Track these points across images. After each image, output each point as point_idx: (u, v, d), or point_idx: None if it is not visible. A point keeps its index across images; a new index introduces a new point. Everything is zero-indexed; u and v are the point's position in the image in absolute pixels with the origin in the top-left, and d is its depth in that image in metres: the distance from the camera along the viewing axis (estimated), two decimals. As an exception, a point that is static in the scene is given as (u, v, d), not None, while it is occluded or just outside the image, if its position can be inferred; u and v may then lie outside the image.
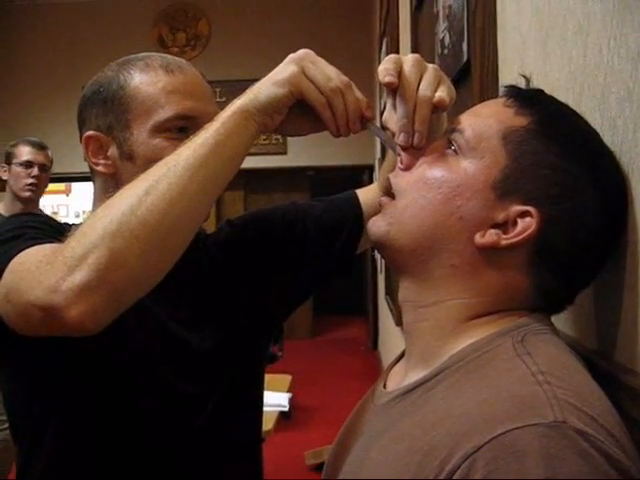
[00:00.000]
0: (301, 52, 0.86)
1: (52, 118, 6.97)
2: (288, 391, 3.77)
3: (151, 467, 1.00)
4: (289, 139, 7.37)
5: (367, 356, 7.42)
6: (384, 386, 0.80)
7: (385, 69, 0.78)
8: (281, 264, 1.17)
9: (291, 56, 0.86)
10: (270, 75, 0.86)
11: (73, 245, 0.75)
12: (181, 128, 0.98)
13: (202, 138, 0.82)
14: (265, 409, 3.54)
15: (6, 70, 7.43)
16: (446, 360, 0.68)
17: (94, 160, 1.03)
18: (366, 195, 1.23)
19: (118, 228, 0.74)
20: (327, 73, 0.84)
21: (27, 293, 0.74)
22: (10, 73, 7.44)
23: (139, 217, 0.75)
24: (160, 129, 0.98)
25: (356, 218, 1.20)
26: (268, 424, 3.08)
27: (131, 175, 0.84)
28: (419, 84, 0.79)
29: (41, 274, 0.74)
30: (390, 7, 4.07)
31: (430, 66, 0.81)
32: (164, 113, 0.98)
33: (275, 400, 3.44)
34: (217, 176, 0.83)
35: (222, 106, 0.87)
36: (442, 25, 1.89)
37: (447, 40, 1.81)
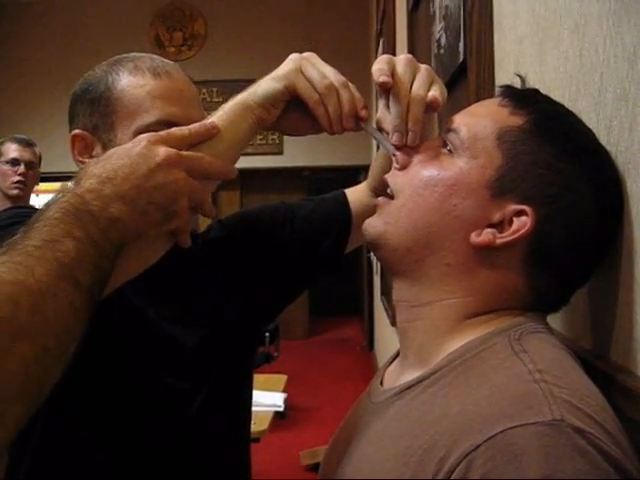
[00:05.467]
0: (305, 53, 0.88)
1: (47, 118, 6.95)
2: (283, 391, 3.77)
3: (138, 462, 1.00)
4: (285, 139, 7.38)
5: (363, 356, 7.41)
6: (381, 384, 0.80)
7: (379, 69, 0.79)
8: (270, 263, 1.18)
9: (292, 55, 0.88)
10: (272, 72, 0.88)
11: None
12: None
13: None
14: (260, 409, 3.51)
15: (1, 69, 7.41)
16: (443, 359, 0.68)
17: (79, 158, 1.04)
18: (354, 195, 1.24)
19: None
20: (323, 71, 0.85)
21: None
22: (5, 72, 7.43)
23: None
24: (142, 134, 0.98)
25: (344, 217, 1.21)
26: (263, 424, 3.07)
27: None
28: (412, 84, 0.79)
29: None
30: (386, 7, 4.07)
31: (422, 66, 0.82)
32: (147, 118, 0.99)
33: (270, 400, 3.44)
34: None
35: (219, 106, 0.88)
36: (438, 25, 1.89)
37: (443, 40, 1.81)
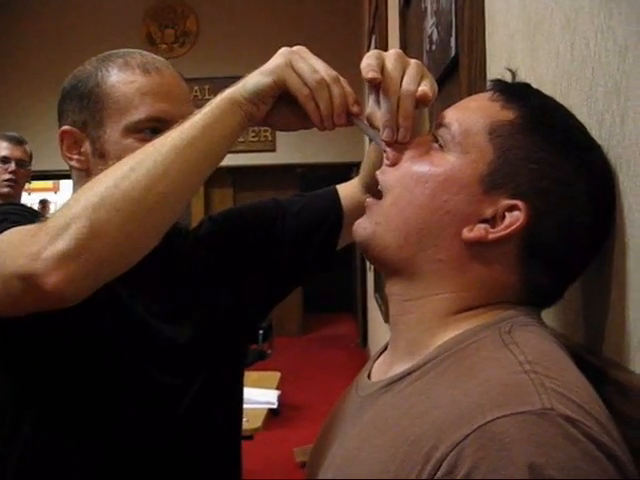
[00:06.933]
0: (295, 47, 0.87)
1: (39, 115, 6.91)
2: (277, 388, 3.77)
3: (128, 459, 1.00)
4: (278, 136, 7.37)
5: (356, 353, 7.42)
6: (368, 377, 0.80)
7: (368, 65, 0.78)
8: (261, 260, 1.17)
9: (282, 49, 0.87)
10: (261, 67, 0.87)
11: (57, 216, 0.78)
12: (154, 130, 0.97)
13: (191, 121, 0.84)
14: (254, 406, 3.50)
15: (-8, 67, 7.38)
16: (432, 351, 0.67)
17: (68, 155, 1.04)
18: (346, 190, 1.23)
19: (101, 200, 0.77)
20: (314, 65, 0.84)
21: (9, 264, 0.77)
22: (-4, 70, 7.39)
23: (122, 191, 0.78)
24: (132, 130, 0.99)
25: (336, 213, 1.20)
26: (257, 421, 3.07)
27: None
28: (402, 79, 0.78)
29: (24, 245, 0.77)
30: (379, 3, 4.06)
31: (412, 61, 0.81)
32: (137, 114, 0.99)
33: (264, 397, 3.44)
34: (203, 158, 0.84)
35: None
36: (430, 21, 1.89)
37: (435, 36, 1.80)
